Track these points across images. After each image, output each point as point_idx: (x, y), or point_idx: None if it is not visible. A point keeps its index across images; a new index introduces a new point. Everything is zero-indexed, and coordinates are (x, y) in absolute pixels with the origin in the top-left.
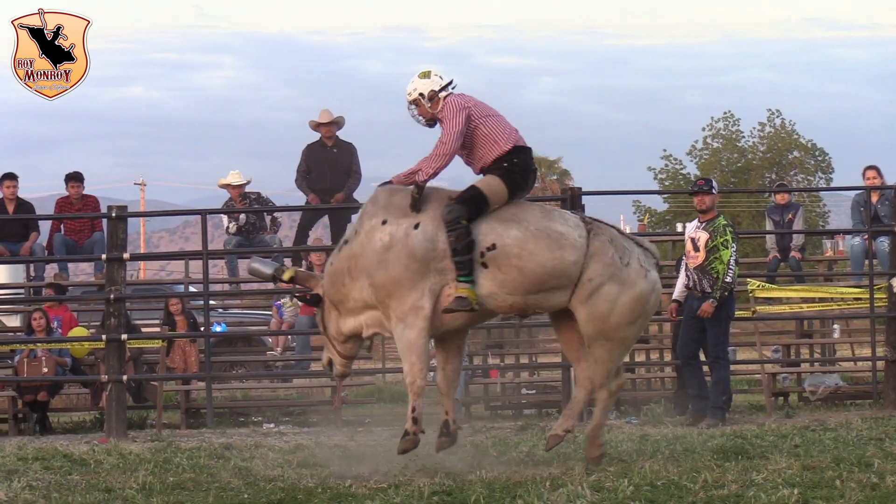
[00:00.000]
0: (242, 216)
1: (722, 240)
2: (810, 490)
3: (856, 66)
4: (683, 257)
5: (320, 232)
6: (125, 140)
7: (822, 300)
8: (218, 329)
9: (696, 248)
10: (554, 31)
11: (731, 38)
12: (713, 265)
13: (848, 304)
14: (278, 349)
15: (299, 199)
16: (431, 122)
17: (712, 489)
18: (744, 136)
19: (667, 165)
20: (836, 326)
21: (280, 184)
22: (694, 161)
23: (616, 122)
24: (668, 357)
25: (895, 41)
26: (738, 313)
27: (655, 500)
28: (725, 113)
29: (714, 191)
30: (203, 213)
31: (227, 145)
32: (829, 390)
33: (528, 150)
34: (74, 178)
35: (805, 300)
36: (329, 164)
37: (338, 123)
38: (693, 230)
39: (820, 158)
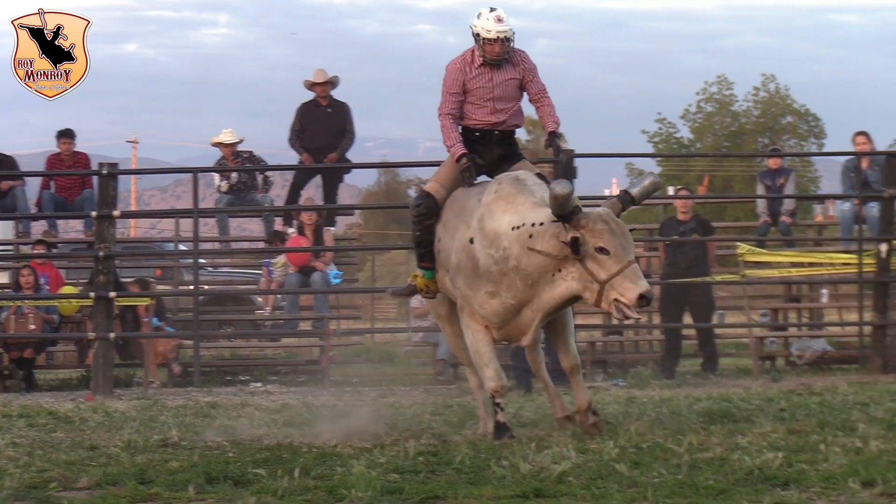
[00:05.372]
0: (234, 175)
1: None
2: (795, 454)
3: (852, 32)
4: None
5: (312, 192)
6: (118, 97)
7: (811, 265)
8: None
9: None
10: None
11: (728, 1)
12: None
13: (837, 269)
14: (267, 308)
15: (292, 158)
16: (498, 61)
17: (697, 452)
18: (737, 101)
19: (660, 129)
20: (824, 291)
21: (273, 143)
22: (687, 125)
23: (611, 84)
24: (655, 320)
25: (892, 7)
26: (727, 277)
27: (640, 463)
28: (719, 77)
29: None
30: (194, 172)
31: (221, 104)
32: (816, 355)
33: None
34: (66, 135)
35: (794, 265)
36: (323, 124)
37: (332, 83)
38: None
39: (813, 124)
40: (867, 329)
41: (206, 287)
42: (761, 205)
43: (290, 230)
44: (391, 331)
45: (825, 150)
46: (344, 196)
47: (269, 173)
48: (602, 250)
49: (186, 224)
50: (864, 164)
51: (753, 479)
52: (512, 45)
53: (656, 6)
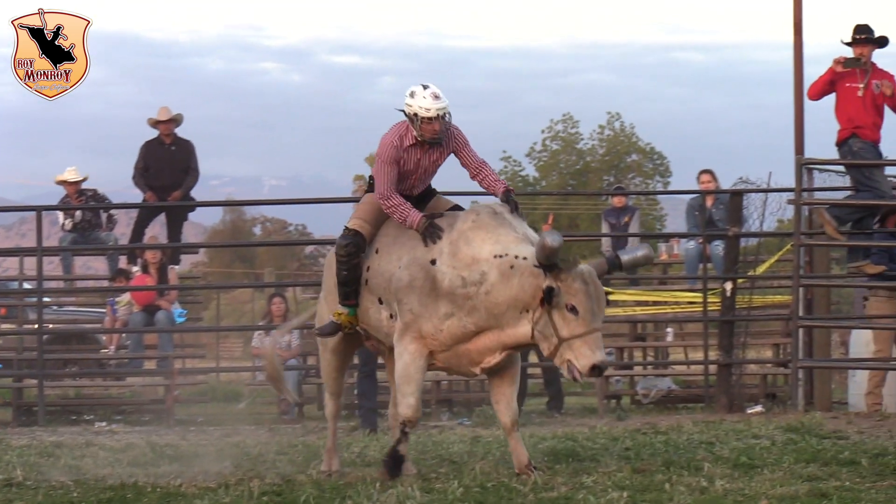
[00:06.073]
0: (78, 213)
1: None
2: (640, 493)
3: (696, 71)
4: None
5: (157, 230)
6: None
7: (655, 303)
8: None
9: None
10: (395, 30)
11: (573, 40)
12: None
13: (681, 308)
14: (112, 347)
15: (136, 196)
16: (437, 139)
17: (542, 491)
18: (583, 139)
19: (506, 167)
20: (669, 330)
21: (117, 181)
22: (533, 163)
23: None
24: None
25: (734, 46)
26: None
27: (485, 502)
28: (564, 115)
29: None
30: (38, 210)
31: (66, 141)
32: (662, 393)
33: None
34: None
35: (639, 303)
36: (167, 162)
37: (176, 121)
38: None
39: (658, 162)
40: (712, 368)
41: (51, 326)
42: (606, 243)
43: (135, 268)
44: (236, 370)
45: (670, 188)
46: (189, 234)
47: (113, 211)
48: (572, 309)
49: (30, 263)
50: (709, 202)
51: None
52: (449, 120)
53: (500, 45)
